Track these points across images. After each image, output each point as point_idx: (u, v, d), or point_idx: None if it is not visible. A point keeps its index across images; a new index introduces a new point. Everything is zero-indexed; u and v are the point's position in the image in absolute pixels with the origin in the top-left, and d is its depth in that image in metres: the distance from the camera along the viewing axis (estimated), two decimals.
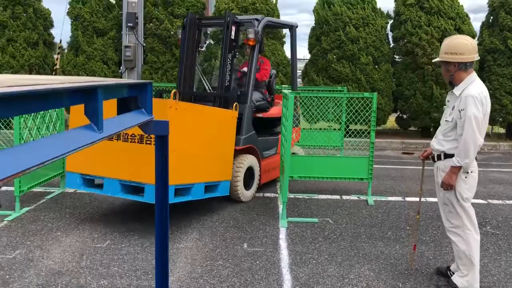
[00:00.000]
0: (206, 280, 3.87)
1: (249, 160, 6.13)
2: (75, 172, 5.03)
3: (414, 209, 6.05)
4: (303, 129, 9.20)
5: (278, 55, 12.07)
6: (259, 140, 6.43)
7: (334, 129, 9.06)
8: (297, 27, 7.53)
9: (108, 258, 4.26)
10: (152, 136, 4.35)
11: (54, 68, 12.68)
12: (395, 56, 12.37)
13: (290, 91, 6.70)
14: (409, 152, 10.63)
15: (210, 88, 6.97)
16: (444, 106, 3.82)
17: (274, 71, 7.35)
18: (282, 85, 10.46)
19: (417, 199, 6.51)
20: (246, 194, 6.11)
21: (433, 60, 3.95)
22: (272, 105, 6.96)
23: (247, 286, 3.79)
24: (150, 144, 4.50)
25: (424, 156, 4.03)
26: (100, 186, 5.05)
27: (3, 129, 8.31)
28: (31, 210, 5.61)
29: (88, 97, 1.49)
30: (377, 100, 8.49)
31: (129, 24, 11.67)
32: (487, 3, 12.16)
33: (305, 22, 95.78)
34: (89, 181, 5.08)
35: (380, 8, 12.23)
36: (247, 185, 6.16)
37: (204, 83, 7.03)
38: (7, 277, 3.84)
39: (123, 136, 4.69)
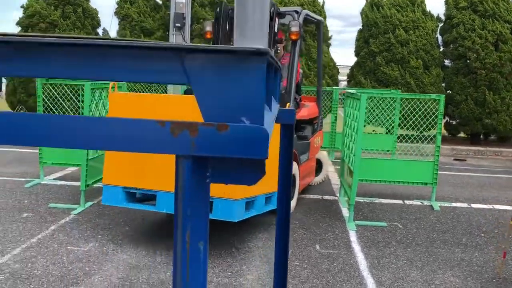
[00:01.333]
0: (287, 280, 3.75)
1: (293, 166, 5.51)
2: (116, 185, 4.24)
3: (483, 216, 5.83)
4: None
5: (324, 57, 11.93)
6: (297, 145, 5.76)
7: (386, 133, 8.87)
8: (323, 23, 7.28)
9: None
10: None
11: None
12: (444, 60, 12.06)
13: (352, 91, 6.53)
14: (461, 159, 10.31)
15: None
16: None
17: (301, 70, 6.86)
18: (328, 87, 10.34)
19: (484, 206, 6.30)
20: (291, 205, 5.64)
21: None
22: (299, 106, 6.26)
23: None
24: None
25: None
26: (142, 200, 4.42)
27: None
28: (95, 204, 5.62)
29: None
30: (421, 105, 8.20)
31: (176, 25, 11.71)
32: None
33: (332, 28, 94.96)
34: (133, 196, 4.36)
35: (430, 11, 11.96)
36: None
37: None
38: (87, 269, 3.82)
39: None
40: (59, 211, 5.28)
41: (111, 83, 4.98)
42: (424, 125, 7.16)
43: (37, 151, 7.54)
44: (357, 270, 4.02)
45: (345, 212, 5.72)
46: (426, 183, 6.19)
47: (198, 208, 0.85)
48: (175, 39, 11.94)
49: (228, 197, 4.00)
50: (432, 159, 6.22)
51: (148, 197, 4.38)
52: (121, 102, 4.28)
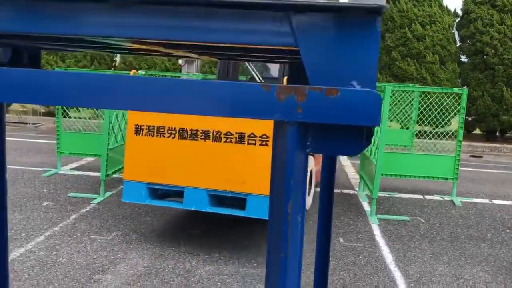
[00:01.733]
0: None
1: (311, 159, 5.34)
2: (139, 181, 3.95)
3: (507, 212, 5.74)
4: None
5: None
6: None
7: (403, 128, 8.78)
8: None
9: (206, 244, 4.15)
10: (258, 135, 3.62)
11: (114, 58, 12.84)
12: (461, 55, 11.92)
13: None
14: (478, 156, 10.19)
15: (260, 78, 6.06)
16: None
17: None
18: None
19: (506, 202, 6.21)
20: (309, 201, 5.28)
21: None
22: None
23: (358, 281, 3.61)
24: (254, 144, 3.64)
25: None
26: (164, 197, 4.17)
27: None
28: (114, 194, 5.59)
29: None
30: (443, 101, 8.11)
31: None
32: None
33: None
34: (156, 192, 4.08)
35: (446, 6, 11.82)
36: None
37: (252, 71, 6.08)
38: (112, 257, 3.79)
39: (213, 135, 3.75)
40: (79, 201, 5.27)
41: (132, 71, 4.91)
42: (445, 120, 7.08)
43: (53, 141, 7.55)
44: (383, 263, 3.97)
45: (366, 206, 5.66)
46: (447, 178, 6.11)
47: (299, 178, 0.80)
48: None
49: (265, 194, 3.59)
50: (452, 154, 6.14)
51: (170, 193, 4.13)
52: None
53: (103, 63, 12.46)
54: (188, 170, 3.82)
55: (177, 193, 4.04)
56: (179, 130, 3.79)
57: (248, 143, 3.67)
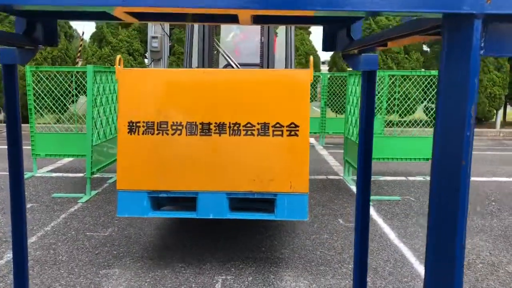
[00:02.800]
0: (324, 252, 3.70)
1: None
2: (138, 190, 3.21)
3: (487, 187, 5.95)
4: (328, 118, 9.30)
5: (306, 45, 11.95)
6: None
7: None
8: None
9: (209, 234, 4.06)
10: (284, 124, 3.11)
11: (77, 61, 12.41)
12: (423, 45, 12.31)
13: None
14: None
15: (237, 65, 5.52)
16: None
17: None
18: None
19: (485, 179, 6.44)
20: None
21: None
22: None
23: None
24: (280, 135, 3.12)
25: None
26: (161, 206, 3.47)
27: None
28: (100, 193, 5.39)
29: None
30: (410, 89, 8.39)
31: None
32: None
33: None
34: (158, 201, 3.38)
35: None
36: None
37: (229, 59, 5.54)
38: (115, 252, 3.64)
39: (230, 128, 3.16)
40: (65, 201, 5.03)
41: (118, 57, 4.58)
42: (414, 109, 7.27)
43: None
44: (387, 240, 4.01)
45: (354, 189, 5.70)
46: (428, 159, 6.27)
47: (477, 81, 0.77)
48: (154, 29, 11.62)
49: (297, 191, 3.13)
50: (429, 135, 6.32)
51: (164, 202, 3.46)
52: (132, 78, 3.37)
53: (64, 65, 12.01)
54: (201, 171, 3.20)
55: (172, 200, 3.45)
56: (186, 125, 3.15)
57: (274, 135, 3.14)
